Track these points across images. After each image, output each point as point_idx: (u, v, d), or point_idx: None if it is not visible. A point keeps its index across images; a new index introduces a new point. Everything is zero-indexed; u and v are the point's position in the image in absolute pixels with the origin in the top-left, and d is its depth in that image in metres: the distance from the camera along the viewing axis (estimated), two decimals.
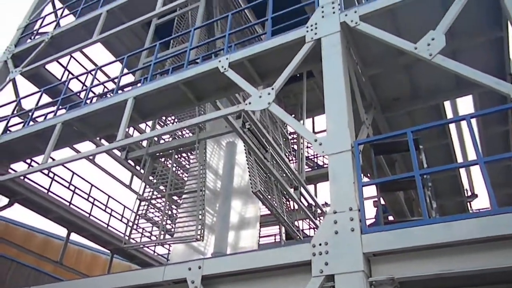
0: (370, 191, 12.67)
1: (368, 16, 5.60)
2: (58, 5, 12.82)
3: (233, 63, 6.40)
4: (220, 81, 6.85)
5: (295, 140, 14.32)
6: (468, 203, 10.27)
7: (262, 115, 10.92)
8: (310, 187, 14.44)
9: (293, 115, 14.60)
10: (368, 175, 8.56)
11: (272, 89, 5.70)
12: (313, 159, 16.28)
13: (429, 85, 7.06)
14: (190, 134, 9.89)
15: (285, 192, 10.81)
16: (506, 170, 8.71)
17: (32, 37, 11.48)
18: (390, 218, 8.73)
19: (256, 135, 9.57)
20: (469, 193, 10.50)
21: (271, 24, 6.53)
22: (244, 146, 9.62)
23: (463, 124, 8.75)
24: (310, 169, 15.57)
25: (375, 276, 4.01)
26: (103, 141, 11.70)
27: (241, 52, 6.41)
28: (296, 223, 11.78)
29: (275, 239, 14.34)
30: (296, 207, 11.45)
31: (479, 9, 5.57)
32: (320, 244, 4.26)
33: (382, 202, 8.37)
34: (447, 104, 8.63)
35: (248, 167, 9.69)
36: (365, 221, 4.33)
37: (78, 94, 9.61)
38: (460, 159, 9.24)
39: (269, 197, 9.72)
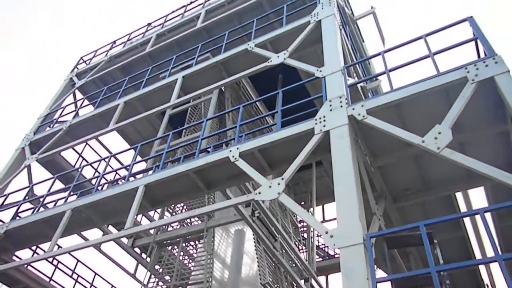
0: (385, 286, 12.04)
1: (374, 110, 5.79)
2: (79, 95, 13.58)
3: (243, 153, 6.53)
4: (230, 170, 6.94)
5: (305, 229, 14.02)
6: None
7: (272, 202, 10.86)
8: (322, 279, 13.81)
9: (303, 202, 14.49)
10: (381, 268, 8.22)
11: (282, 179, 5.73)
12: (324, 249, 15.78)
13: (439, 176, 7.04)
14: (199, 222, 9.77)
15: (295, 284, 10.33)
16: None
17: (51, 125, 11.97)
18: None
19: (265, 224, 9.43)
20: None
21: (280, 116, 6.76)
22: (253, 234, 9.43)
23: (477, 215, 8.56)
24: (321, 259, 15.01)
25: None
26: (110, 227, 11.58)
27: (251, 143, 6.57)
28: None
29: None
30: None
31: (483, 104, 5.74)
32: None
33: None
34: (459, 194, 8.52)
35: (257, 257, 9.40)
36: None
37: (90, 180, 9.73)
38: (477, 251, 8.89)
39: None
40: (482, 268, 9.62)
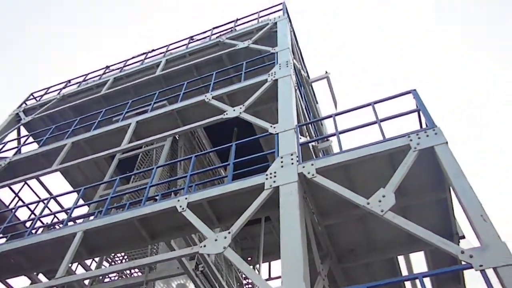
0: None
1: (324, 170, 5.94)
2: (24, 132, 12.97)
3: (192, 203, 6.41)
4: (176, 221, 6.75)
5: (250, 286, 13.64)
6: None
7: (217, 256, 10.56)
8: None
9: (250, 258, 14.20)
10: None
11: (229, 233, 5.63)
12: None
13: (383, 239, 7.19)
14: (139, 274, 9.26)
15: None
16: None
17: None
18: None
19: (209, 279, 9.09)
20: None
21: (232, 168, 6.77)
22: None
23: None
24: None
25: None
26: (40, 275, 10.69)
27: (201, 194, 6.47)
28: None
29: None
30: None
31: (424, 171, 6.05)
32: None
33: None
34: (402, 257, 8.70)
35: None
36: None
37: (24, 223, 9.08)
38: None
39: None
40: None
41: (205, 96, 9.06)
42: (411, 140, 5.70)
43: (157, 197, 7.20)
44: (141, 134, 9.45)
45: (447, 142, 5.50)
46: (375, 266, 7.62)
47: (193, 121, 9.00)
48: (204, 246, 5.65)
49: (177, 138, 10.45)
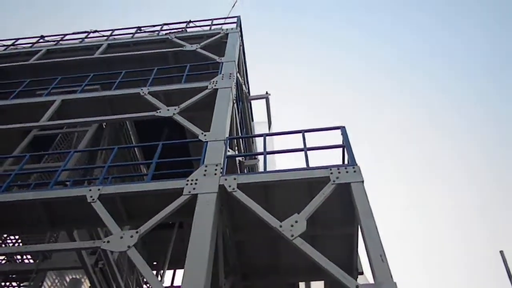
0: None
1: (245, 186, 5.98)
2: None
3: (104, 195, 6.10)
4: (84, 211, 6.36)
5: None
6: None
7: (121, 256, 10.13)
8: None
9: (155, 263, 13.79)
10: None
11: (137, 232, 5.44)
12: None
13: (289, 263, 7.33)
14: (31, 261, 8.61)
15: None
16: None
17: None
18: None
19: (107, 277, 8.68)
20: None
21: (154, 168, 6.59)
22: (90, 287, 8.56)
23: None
24: None
25: None
26: None
27: (116, 187, 6.21)
28: None
29: None
30: None
31: (338, 205, 6.31)
32: None
33: None
34: (302, 284, 8.93)
35: None
36: None
37: None
38: None
39: None
40: None
41: (141, 89, 8.79)
42: (331, 173, 5.94)
43: (68, 183, 6.77)
44: (64, 114, 8.88)
45: (363, 181, 5.80)
46: (275, 287, 7.73)
47: (123, 112, 8.67)
48: (108, 242, 5.39)
49: (104, 127, 9.98)
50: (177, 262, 13.29)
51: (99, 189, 6.12)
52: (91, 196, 6.03)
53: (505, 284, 7.76)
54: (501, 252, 7.68)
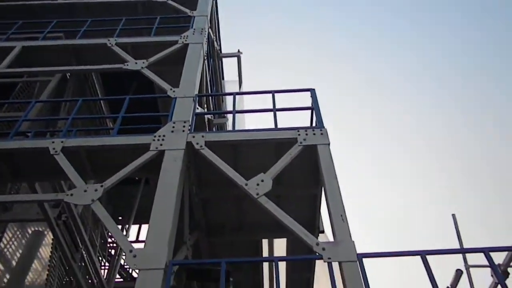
0: None
1: (213, 144, 5.98)
2: None
3: (67, 148, 5.96)
4: (47, 163, 6.21)
5: (114, 245, 13.31)
6: None
7: (86, 210, 10.07)
8: None
9: (121, 218, 13.82)
10: None
11: (101, 186, 5.39)
12: (128, 270, 15.11)
13: (253, 221, 7.51)
14: None
15: None
16: None
17: None
18: None
19: (71, 231, 8.65)
20: None
21: (120, 122, 6.46)
22: (53, 239, 8.52)
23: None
24: (122, 280, 14.31)
25: None
26: None
27: (80, 140, 6.08)
28: None
29: None
30: None
31: (304, 166, 6.44)
32: None
33: None
34: (265, 242, 9.21)
35: (49, 265, 8.47)
36: None
37: None
38: None
39: None
40: None
41: (108, 40, 8.43)
42: (299, 134, 6.01)
43: (29, 134, 6.56)
44: (25, 62, 8.45)
45: (329, 144, 5.91)
46: (239, 245, 7.94)
47: (89, 63, 8.34)
48: (71, 195, 5.33)
49: (68, 78, 9.60)
50: (142, 218, 13.38)
51: (62, 142, 5.96)
52: (53, 148, 5.88)
53: (456, 246, 8.27)
54: (453, 216, 8.13)
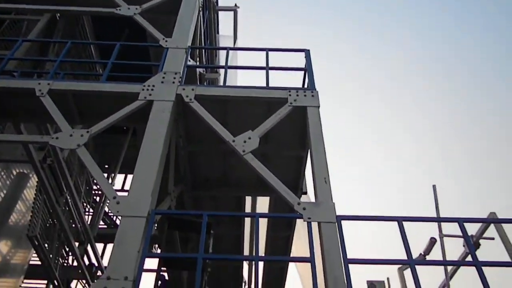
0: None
1: (203, 98, 5.93)
2: None
3: (54, 91, 5.86)
4: (32, 105, 6.12)
5: (99, 192, 13.40)
6: None
7: (72, 155, 10.05)
8: (100, 246, 13.36)
9: (107, 166, 13.84)
10: (160, 248, 8.42)
11: (88, 132, 5.35)
12: (112, 217, 15.32)
13: (238, 178, 7.60)
14: None
15: (67, 245, 9.75)
16: (280, 271, 9.58)
17: None
18: None
19: (56, 175, 8.66)
20: (247, 286, 11.14)
21: (110, 68, 6.33)
22: (38, 182, 8.54)
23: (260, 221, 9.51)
24: (105, 227, 14.53)
25: None
26: None
27: (67, 83, 5.97)
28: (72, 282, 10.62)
29: None
30: (76, 264, 10.37)
31: (292, 126, 6.45)
32: None
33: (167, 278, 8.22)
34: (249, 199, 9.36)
35: (33, 207, 8.53)
36: None
37: None
38: (246, 252, 9.88)
39: (46, 246, 8.59)
40: (246, 268, 10.78)
41: None
42: (290, 95, 5.98)
43: (15, 74, 6.41)
44: None
45: (319, 106, 5.91)
46: (223, 200, 8.07)
47: (81, 5, 8.04)
48: (57, 138, 5.29)
49: (57, 19, 9.28)
50: (128, 168, 13.41)
51: (49, 84, 5.85)
52: (40, 90, 5.78)
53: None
54: (434, 186, 8.31)
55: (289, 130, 6.51)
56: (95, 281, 4.12)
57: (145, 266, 4.40)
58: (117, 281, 4.05)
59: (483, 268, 4.38)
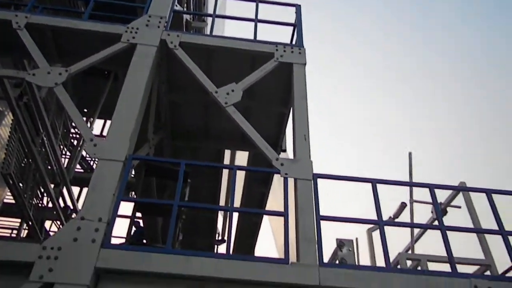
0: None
1: (187, 45, 5.77)
2: None
3: (32, 24, 5.60)
4: (8, 38, 5.85)
5: (77, 136, 13.20)
6: (216, 246, 11.12)
7: (50, 96, 9.79)
8: (75, 190, 13.33)
9: (86, 110, 13.56)
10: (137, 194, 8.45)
11: (66, 71, 5.18)
12: (90, 162, 15.21)
13: (219, 130, 7.57)
14: None
15: (42, 186, 9.69)
16: (254, 226, 9.80)
17: None
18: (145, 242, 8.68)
19: (32, 114, 8.45)
20: (220, 237, 11.41)
21: (92, 5, 6.07)
22: (13, 120, 8.33)
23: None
24: (82, 171, 14.45)
25: None
26: None
27: (46, 18, 5.71)
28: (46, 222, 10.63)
29: (12, 233, 12.48)
30: (51, 205, 10.35)
31: (277, 82, 6.38)
32: (52, 248, 3.87)
33: (142, 224, 8.32)
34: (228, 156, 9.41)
35: (7, 144, 8.37)
36: (111, 236, 4.18)
37: None
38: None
39: (21, 185, 8.52)
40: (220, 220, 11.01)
41: None
42: (277, 50, 5.88)
43: None
44: None
45: (305, 64, 5.83)
46: (203, 152, 8.06)
47: None
48: (34, 75, 5.11)
49: None
50: (108, 114, 13.14)
51: (26, 17, 5.58)
52: (17, 23, 5.51)
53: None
54: (409, 154, 8.47)
55: (273, 86, 6.44)
56: (69, 220, 4.14)
57: (122, 212, 4.44)
58: (91, 222, 4.08)
59: (448, 234, 4.58)
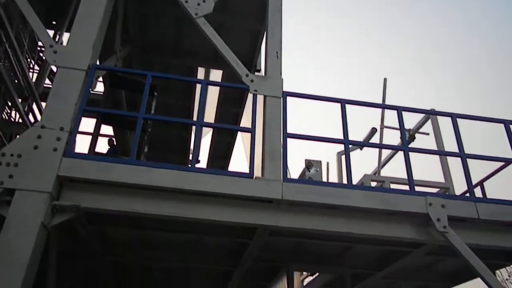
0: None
1: None
2: None
3: None
4: None
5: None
6: (189, 165, 11.23)
7: (13, 7, 9.12)
8: (44, 104, 12.97)
9: (55, 23, 12.79)
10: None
11: None
12: None
13: (191, 47, 7.29)
14: None
15: (9, 100, 9.37)
16: (227, 146, 9.86)
17: None
18: None
19: None
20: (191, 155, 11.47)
21: None
22: None
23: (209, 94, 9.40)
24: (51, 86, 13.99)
25: (62, 200, 3.85)
26: None
27: None
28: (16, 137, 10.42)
29: None
30: (21, 120, 10.12)
31: None
32: (12, 155, 3.80)
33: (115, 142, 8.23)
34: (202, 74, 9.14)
35: None
36: (74, 145, 4.12)
37: None
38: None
39: None
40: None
41: None
42: None
43: None
44: None
45: None
46: (175, 69, 7.79)
47: None
48: None
49: None
50: None
51: None
52: None
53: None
54: (384, 80, 8.44)
55: (249, 1, 6.13)
56: (29, 128, 4.03)
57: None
58: (52, 130, 3.98)
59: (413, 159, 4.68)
